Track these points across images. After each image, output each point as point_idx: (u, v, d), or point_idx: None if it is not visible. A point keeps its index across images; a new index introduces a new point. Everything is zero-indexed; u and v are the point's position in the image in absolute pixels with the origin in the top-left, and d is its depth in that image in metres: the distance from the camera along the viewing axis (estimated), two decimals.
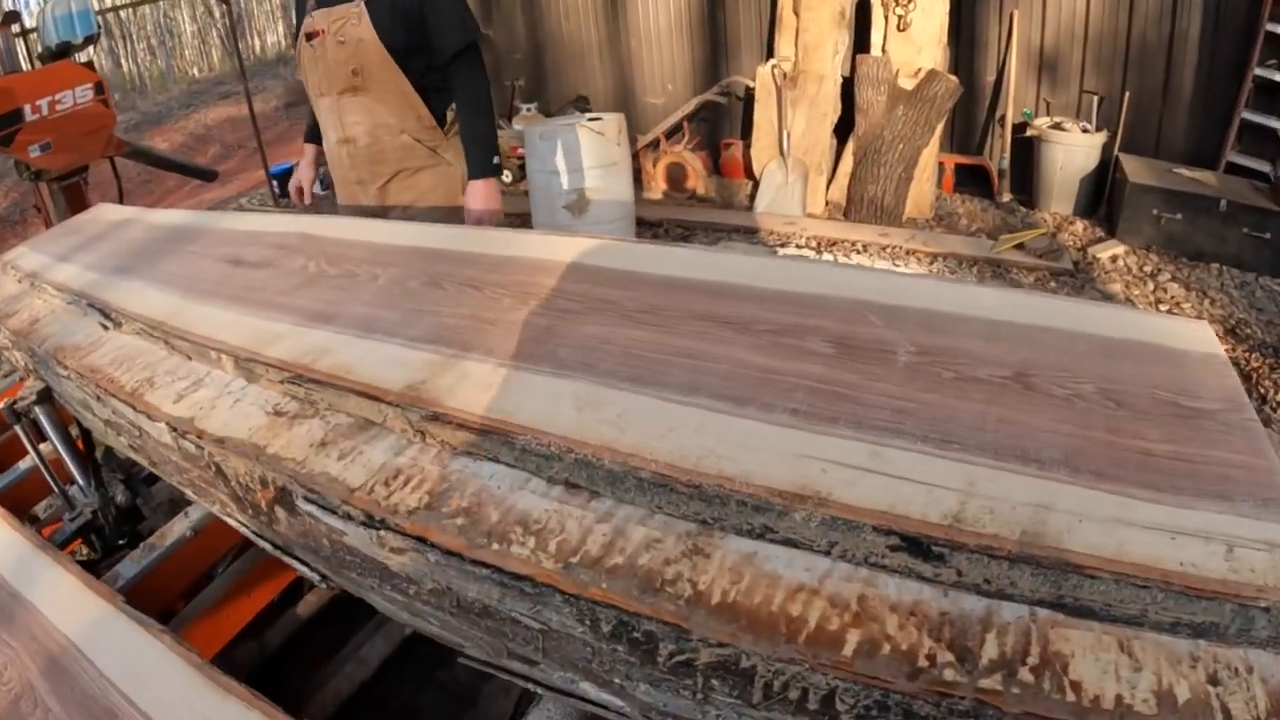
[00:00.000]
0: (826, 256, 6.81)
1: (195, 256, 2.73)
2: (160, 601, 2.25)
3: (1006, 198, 7.92)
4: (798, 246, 7.01)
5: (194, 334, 2.04)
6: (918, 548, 1.11)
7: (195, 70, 23.06)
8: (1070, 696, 0.97)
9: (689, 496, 1.24)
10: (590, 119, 6.65)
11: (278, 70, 18.08)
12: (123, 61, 19.30)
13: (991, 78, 7.86)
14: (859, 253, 6.86)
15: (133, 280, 2.63)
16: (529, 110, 8.99)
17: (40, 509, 3.19)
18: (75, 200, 7.08)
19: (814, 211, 7.71)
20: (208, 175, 8.64)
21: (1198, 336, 1.67)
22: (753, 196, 7.91)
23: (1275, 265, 6.51)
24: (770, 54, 7.90)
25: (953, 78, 7.08)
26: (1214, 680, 0.98)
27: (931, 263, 6.70)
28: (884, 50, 7.32)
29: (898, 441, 1.29)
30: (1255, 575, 1.02)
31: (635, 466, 1.28)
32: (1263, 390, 5.01)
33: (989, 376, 1.48)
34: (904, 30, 7.22)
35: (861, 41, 7.59)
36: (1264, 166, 7.13)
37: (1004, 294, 1.92)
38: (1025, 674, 1.00)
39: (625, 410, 1.43)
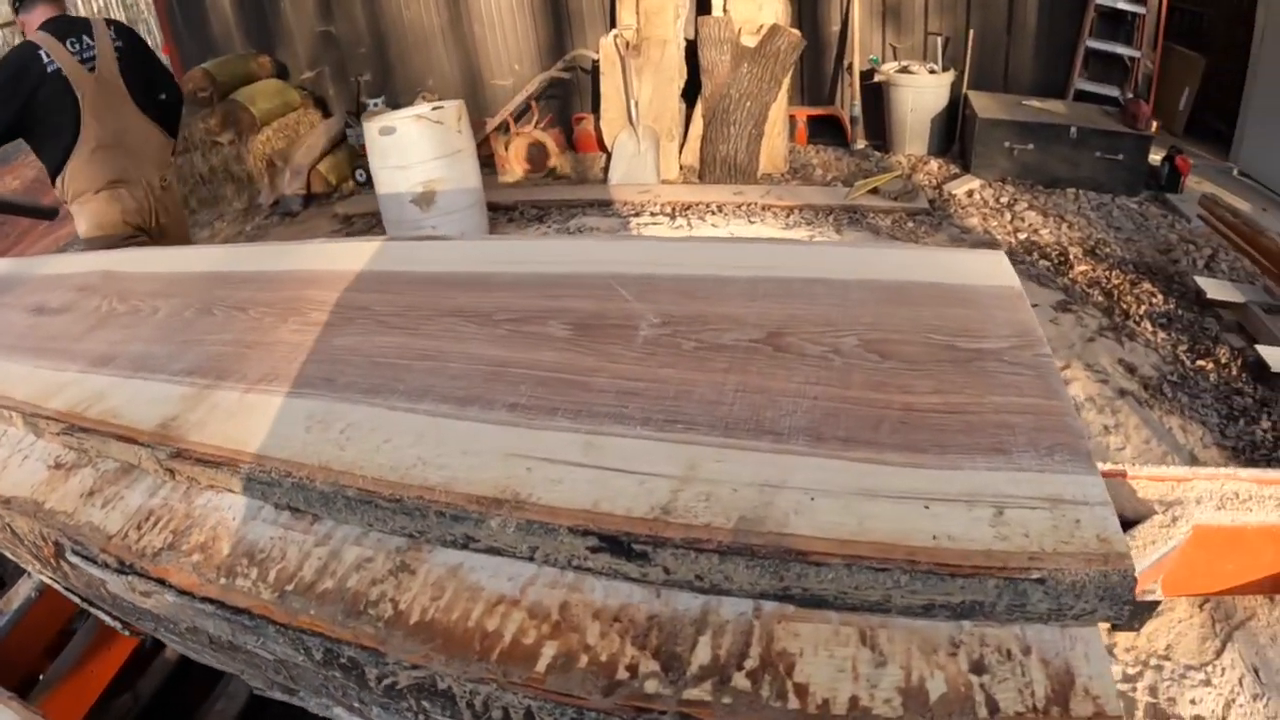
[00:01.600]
0: (680, 221, 6.76)
1: (5, 309, 2.54)
2: (21, 667, 2.22)
3: (861, 144, 7.97)
4: (652, 214, 6.95)
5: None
6: (618, 547, 1.02)
7: None
8: (794, 702, 0.89)
9: (393, 511, 1.16)
10: (433, 108, 6.49)
11: None
12: None
13: (836, 28, 7.87)
14: (714, 213, 6.82)
15: None
16: (376, 105, 8.73)
17: None
18: None
19: (668, 177, 7.65)
20: (48, 214, 8.22)
21: (989, 269, 1.59)
22: (607, 169, 7.82)
23: (1130, 185, 6.70)
24: (613, 24, 7.79)
25: (795, 31, 7.05)
26: (979, 668, 0.90)
27: (788, 215, 6.68)
28: (725, 10, 7.24)
29: (617, 428, 1.21)
30: (1028, 541, 0.94)
31: (344, 485, 1.20)
32: (1125, 306, 5.08)
33: (736, 341, 1.41)
34: None
35: (703, 3, 7.49)
36: (1112, 91, 7.35)
37: (772, 248, 1.85)
38: (740, 680, 0.92)
39: (351, 425, 1.35)
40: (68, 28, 4.23)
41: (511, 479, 1.13)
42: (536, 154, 8.09)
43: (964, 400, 1.21)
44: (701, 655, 0.96)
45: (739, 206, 6.80)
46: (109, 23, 4.50)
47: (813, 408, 1.23)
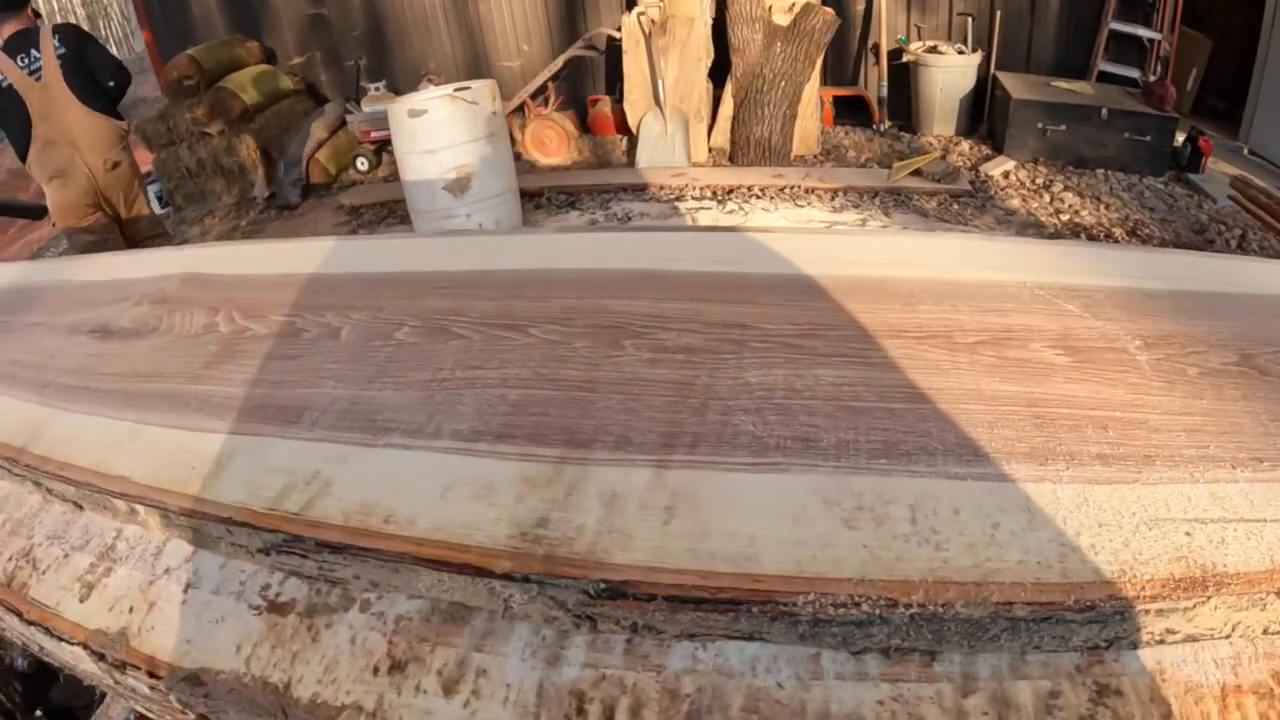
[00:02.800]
0: (731, 206, 6.52)
1: (42, 332, 1.97)
2: None
3: (886, 125, 7.81)
4: (695, 198, 6.69)
5: (77, 467, 1.32)
6: None
7: None
8: None
9: (1080, 623, 0.87)
10: (458, 89, 6.18)
11: None
12: None
13: (861, 7, 7.71)
14: (757, 197, 6.60)
15: None
16: (378, 90, 8.39)
17: None
18: None
19: (698, 160, 7.39)
20: (36, 212, 7.84)
21: None
22: (630, 152, 7.54)
23: (1155, 165, 6.67)
24: (631, 2, 7.54)
25: (829, 10, 6.82)
26: None
27: (832, 198, 6.49)
28: None
29: (1221, 473, 1.01)
30: None
31: (1004, 602, 0.86)
32: None
33: (1223, 365, 1.23)
34: None
35: None
36: (1132, 73, 7.35)
37: (1145, 255, 1.69)
38: None
39: (914, 507, 0.98)
40: (21, 44, 5.02)
41: (1180, 549, 0.90)
42: (548, 138, 7.77)
43: None
44: None
45: (781, 190, 6.59)
46: (56, 29, 5.23)
47: None
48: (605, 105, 7.99)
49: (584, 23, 8.10)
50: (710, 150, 7.49)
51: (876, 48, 7.63)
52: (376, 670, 0.98)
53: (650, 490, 1.04)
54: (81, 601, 1.21)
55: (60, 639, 1.18)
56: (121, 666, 1.11)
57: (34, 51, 5.02)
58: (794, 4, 6.83)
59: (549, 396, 1.26)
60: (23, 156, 5.28)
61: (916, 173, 6.60)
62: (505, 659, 0.96)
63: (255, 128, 8.47)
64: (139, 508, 1.23)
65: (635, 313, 1.48)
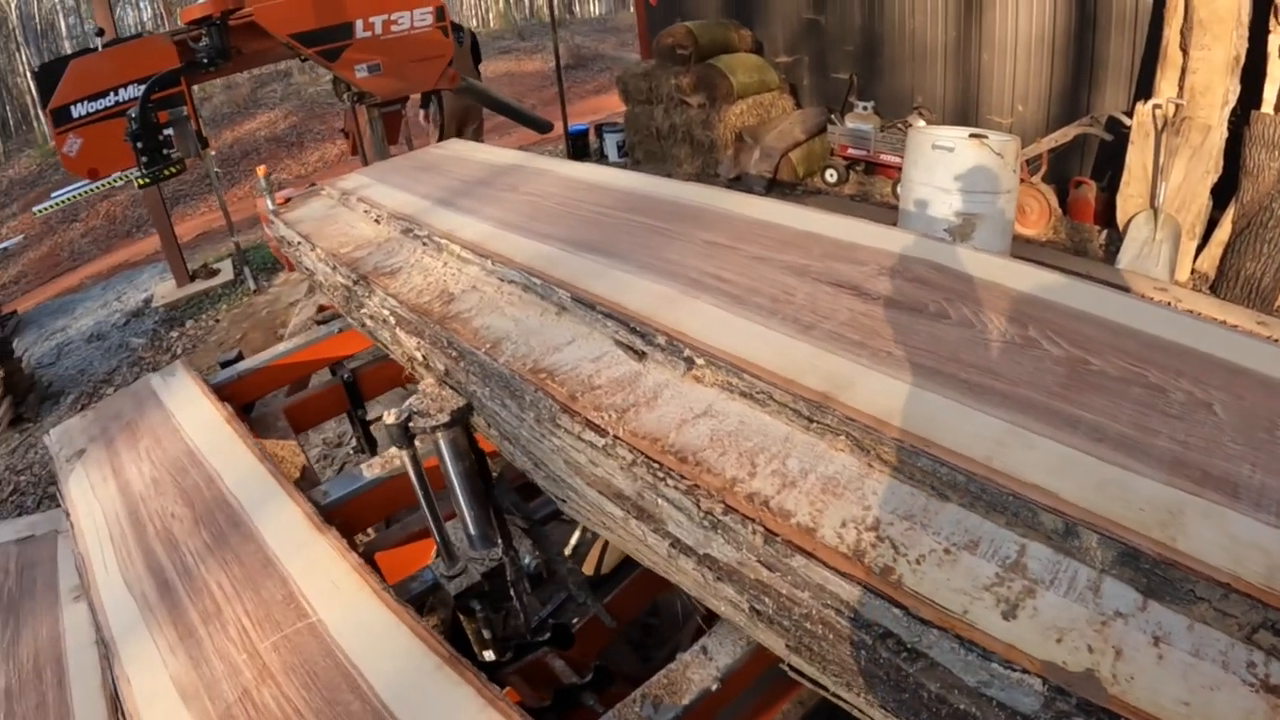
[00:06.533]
0: None
1: (741, 258, 2.09)
2: None
3: None
4: None
5: (961, 455, 1.34)
6: None
7: (471, 24, 24.69)
8: None
9: None
10: (973, 134, 6.31)
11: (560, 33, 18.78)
12: None
13: None
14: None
15: (646, 277, 2.01)
16: (865, 109, 8.68)
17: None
18: (392, 130, 7.14)
19: (1179, 278, 7.07)
20: (542, 125, 8.63)
21: None
22: (1108, 247, 7.37)
23: None
24: (1141, 89, 7.36)
25: None
26: None
27: None
28: (1279, 110, 6.79)
29: None
30: None
31: None
32: None
33: None
34: None
35: (1251, 94, 6.86)
36: None
37: None
38: None
39: None
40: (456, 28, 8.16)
41: None
42: (1037, 209, 7.69)
43: None
44: None
45: (1265, 339, 6.26)
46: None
47: None
48: (1089, 190, 7.76)
49: (1087, 97, 7.92)
50: (1193, 272, 7.14)
51: None
52: None
53: None
54: (1006, 619, 1.13)
55: (984, 654, 1.09)
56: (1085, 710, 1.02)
57: (459, 32, 8.22)
58: None
59: None
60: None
61: None
62: None
63: (736, 110, 8.95)
64: (1086, 535, 1.19)
65: None
